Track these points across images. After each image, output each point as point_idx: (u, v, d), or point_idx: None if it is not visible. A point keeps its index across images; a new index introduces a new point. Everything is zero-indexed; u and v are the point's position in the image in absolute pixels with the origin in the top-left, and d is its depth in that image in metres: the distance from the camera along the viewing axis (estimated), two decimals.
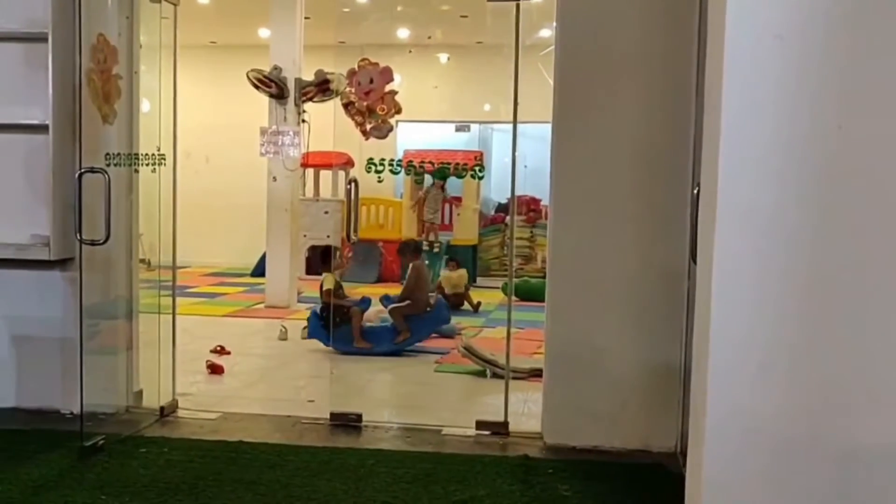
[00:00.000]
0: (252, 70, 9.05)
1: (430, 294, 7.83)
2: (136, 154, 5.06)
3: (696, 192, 3.49)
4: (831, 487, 2.46)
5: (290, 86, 9.10)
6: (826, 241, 2.42)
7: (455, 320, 8.12)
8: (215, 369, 6.41)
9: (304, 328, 7.50)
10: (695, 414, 2.68)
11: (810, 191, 2.41)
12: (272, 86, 9.00)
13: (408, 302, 7.37)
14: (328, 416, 5.06)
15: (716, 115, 2.48)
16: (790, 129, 2.40)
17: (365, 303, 7.40)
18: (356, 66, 4.97)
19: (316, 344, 7.24)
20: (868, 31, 2.38)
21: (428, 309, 7.50)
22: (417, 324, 7.36)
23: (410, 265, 7.76)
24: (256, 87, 9.06)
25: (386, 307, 7.46)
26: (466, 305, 9.34)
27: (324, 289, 7.39)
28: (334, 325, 6.99)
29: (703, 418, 2.51)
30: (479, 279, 11.14)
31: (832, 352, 2.45)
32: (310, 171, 11.83)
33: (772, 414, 2.45)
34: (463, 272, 9.62)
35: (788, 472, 2.47)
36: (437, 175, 10.45)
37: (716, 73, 2.52)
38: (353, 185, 5.30)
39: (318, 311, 7.30)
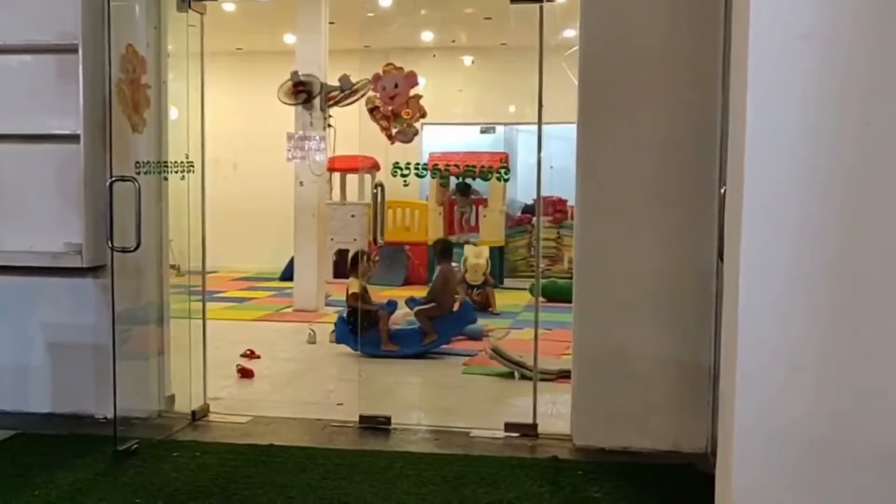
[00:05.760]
0: (280, 88, 9.02)
1: (456, 297, 7.83)
2: (166, 162, 5.12)
3: (722, 191, 3.48)
4: (862, 490, 2.44)
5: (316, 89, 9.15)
6: (854, 241, 2.41)
7: (482, 322, 8.13)
8: (245, 373, 6.47)
9: (333, 332, 7.54)
10: (723, 416, 2.67)
11: (837, 190, 2.40)
12: (304, 90, 9.02)
13: (432, 304, 7.39)
14: (357, 419, 5.09)
15: (741, 116, 2.47)
16: (816, 129, 2.38)
17: (391, 306, 7.43)
18: (381, 72, 4.97)
19: (344, 347, 7.28)
20: (894, 30, 2.35)
21: (454, 310, 7.51)
22: (444, 325, 7.37)
23: (438, 268, 7.78)
24: (292, 103, 9.05)
25: (411, 309, 7.48)
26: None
27: (349, 292, 7.43)
28: (362, 329, 7.02)
29: (732, 420, 2.50)
30: (506, 280, 11.14)
31: (861, 352, 2.43)
32: (336, 176, 11.91)
33: (801, 415, 2.44)
34: (484, 249, 9.55)
35: (819, 474, 2.45)
36: (458, 188, 10.62)
37: (741, 73, 2.51)
38: (379, 189, 5.34)
39: (345, 316, 7.35)
